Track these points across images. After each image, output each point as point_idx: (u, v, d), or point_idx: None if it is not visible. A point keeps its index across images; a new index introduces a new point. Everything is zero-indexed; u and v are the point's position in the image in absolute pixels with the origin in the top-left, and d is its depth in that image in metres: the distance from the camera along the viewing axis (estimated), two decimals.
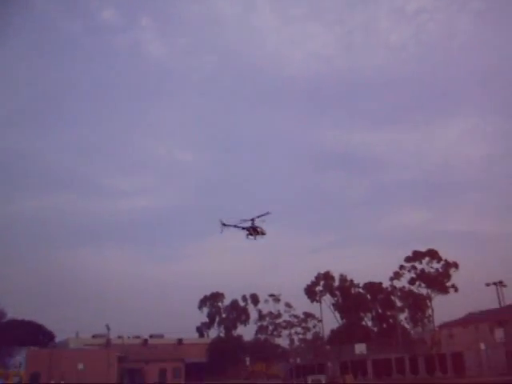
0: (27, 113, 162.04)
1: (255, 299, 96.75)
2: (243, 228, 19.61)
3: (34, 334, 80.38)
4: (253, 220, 19.53)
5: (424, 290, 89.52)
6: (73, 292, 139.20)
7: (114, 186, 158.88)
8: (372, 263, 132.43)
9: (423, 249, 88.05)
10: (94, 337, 77.49)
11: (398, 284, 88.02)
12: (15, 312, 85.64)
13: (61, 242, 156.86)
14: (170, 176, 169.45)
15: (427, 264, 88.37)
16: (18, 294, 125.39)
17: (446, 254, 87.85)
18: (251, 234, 18.83)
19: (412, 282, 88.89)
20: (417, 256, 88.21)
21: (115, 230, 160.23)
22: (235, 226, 20.47)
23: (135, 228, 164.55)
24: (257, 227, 19.05)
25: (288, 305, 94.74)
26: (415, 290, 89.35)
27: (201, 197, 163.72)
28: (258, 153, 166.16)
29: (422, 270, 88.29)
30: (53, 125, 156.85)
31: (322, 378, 52.45)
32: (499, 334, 45.53)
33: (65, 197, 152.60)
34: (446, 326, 76.62)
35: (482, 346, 46.81)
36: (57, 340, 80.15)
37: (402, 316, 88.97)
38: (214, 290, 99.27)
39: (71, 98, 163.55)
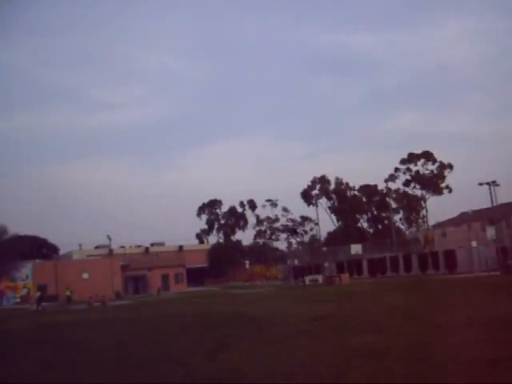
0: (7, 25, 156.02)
1: (252, 205, 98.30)
2: None
3: (39, 248, 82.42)
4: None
5: (418, 192, 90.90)
6: (73, 206, 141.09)
7: (106, 97, 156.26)
8: (367, 166, 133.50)
9: (419, 151, 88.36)
10: (96, 248, 79.42)
11: (393, 186, 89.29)
12: (17, 228, 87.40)
13: (57, 157, 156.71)
14: (163, 85, 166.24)
15: (422, 166, 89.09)
16: (18, 210, 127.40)
17: (441, 155, 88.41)
18: None
19: (407, 183, 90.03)
20: (412, 158, 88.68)
21: (111, 142, 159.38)
22: None
23: (131, 140, 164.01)
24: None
25: (285, 209, 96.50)
26: (410, 192, 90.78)
27: (195, 106, 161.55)
28: (252, 59, 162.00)
29: (417, 172, 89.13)
30: (37, 34, 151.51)
31: (319, 278, 54.36)
32: (490, 232, 46.68)
33: (57, 111, 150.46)
34: (439, 225, 78.44)
35: (474, 244, 48.15)
36: (60, 253, 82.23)
37: (397, 217, 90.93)
38: (212, 198, 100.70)
39: (55, 7, 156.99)
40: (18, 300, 59.99)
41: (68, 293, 58.42)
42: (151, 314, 28.22)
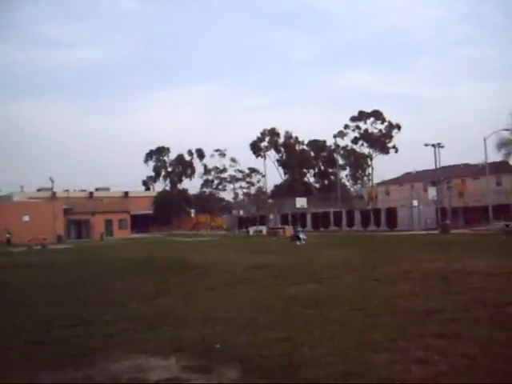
0: None
1: (201, 154, 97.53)
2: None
3: None
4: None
5: (366, 150, 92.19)
6: (15, 147, 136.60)
7: (53, 35, 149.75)
8: (317, 122, 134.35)
9: (369, 110, 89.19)
10: (38, 190, 77.42)
11: (341, 143, 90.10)
12: None
13: None
14: (114, 26, 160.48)
15: (371, 124, 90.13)
16: None
17: (390, 115, 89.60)
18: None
19: (355, 141, 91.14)
20: (362, 116, 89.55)
21: (57, 83, 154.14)
22: None
23: (78, 81, 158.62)
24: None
25: (233, 160, 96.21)
26: (357, 149, 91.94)
27: (146, 50, 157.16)
28: (208, 6, 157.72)
29: (366, 130, 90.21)
30: None
31: (263, 229, 54.94)
32: (432, 192, 47.99)
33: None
34: (383, 184, 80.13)
35: (415, 203, 49.53)
36: (0, 194, 79.74)
37: (343, 173, 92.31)
38: (160, 145, 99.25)
39: None
40: None
41: (7, 235, 57.02)
42: (92, 258, 27.87)
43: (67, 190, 77.93)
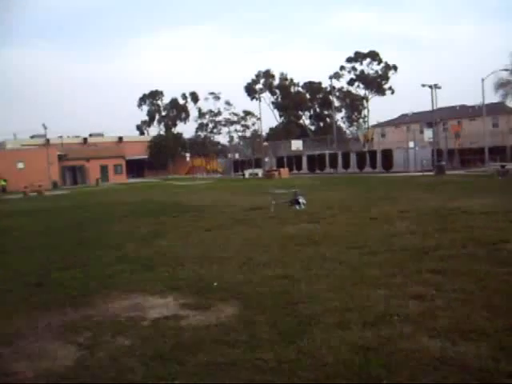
0: None
1: (195, 97, 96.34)
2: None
3: None
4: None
5: (362, 91, 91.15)
6: (7, 94, 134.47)
7: None
8: (313, 64, 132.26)
9: (365, 51, 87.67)
10: (32, 137, 76.69)
11: (337, 84, 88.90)
12: None
13: None
14: None
15: (367, 65, 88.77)
16: None
17: (387, 56, 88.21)
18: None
19: (351, 82, 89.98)
20: (358, 57, 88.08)
21: (48, 28, 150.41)
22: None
23: (70, 23, 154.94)
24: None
25: (228, 103, 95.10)
26: (353, 91, 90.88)
27: None
28: None
29: (362, 72, 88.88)
30: None
31: (259, 172, 54.89)
32: (428, 134, 47.71)
33: None
34: (379, 125, 79.64)
35: (411, 144, 49.29)
36: None
37: (339, 115, 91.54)
38: (153, 89, 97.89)
39: None
40: None
41: (3, 182, 56.88)
42: (88, 203, 27.86)
43: (61, 137, 77.24)
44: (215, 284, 7.38)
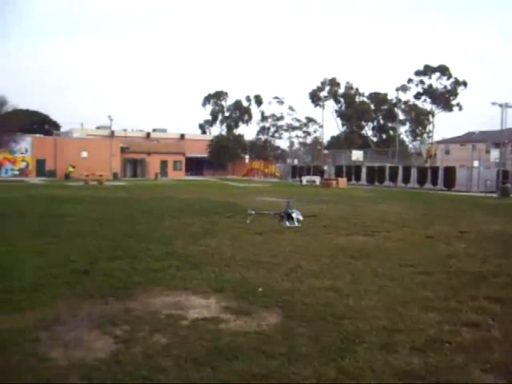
0: None
1: (259, 100, 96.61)
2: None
3: (40, 124, 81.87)
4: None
5: (428, 106, 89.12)
6: (76, 84, 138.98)
7: None
8: (380, 74, 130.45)
9: (435, 65, 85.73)
10: (98, 128, 78.80)
11: (403, 97, 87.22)
12: (19, 102, 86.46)
13: (64, 32, 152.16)
14: None
15: (436, 80, 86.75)
16: (21, 84, 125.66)
17: (458, 71, 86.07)
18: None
19: (418, 96, 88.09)
20: (427, 70, 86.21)
21: (116, 20, 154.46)
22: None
23: (138, 20, 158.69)
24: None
25: (291, 108, 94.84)
26: (419, 105, 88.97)
27: None
28: None
29: (430, 86, 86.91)
30: None
31: (317, 180, 54.40)
32: (495, 154, 46.05)
33: None
34: (444, 142, 77.63)
35: (476, 164, 47.70)
36: (62, 130, 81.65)
37: (403, 129, 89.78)
38: (218, 89, 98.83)
39: None
40: (17, 172, 60.24)
41: (71, 169, 58.66)
42: (145, 196, 28.23)
43: (125, 130, 79.05)
44: (260, 289, 7.19)
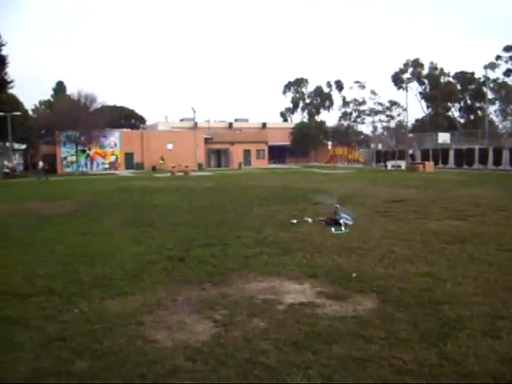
0: None
1: (340, 85, 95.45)
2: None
3: (126, 118, 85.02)
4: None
5: None
6: (160, 77, 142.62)
7: None
8: (466, 53, 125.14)
9: None
10: (181, 120, 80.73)
11: (491, 75, 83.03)
12: (107, 99, 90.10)
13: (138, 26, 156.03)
14: None
15: None
16: (108, 79, 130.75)
17: None
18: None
19: (508, 73, 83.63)
20: None
21: (193, 8, 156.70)
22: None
23: (220, 9, 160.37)
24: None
25: (373, 92, 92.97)
26: (510, 82, 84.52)
27: None
28: None
29: None
30: None
31: (402, 164, 53.12)
32: None
33: None
34: None
35: None
36: (147, 124, 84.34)
37: (492, 108, 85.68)
38: (298, 76, 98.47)
39: None
40: (107, 166, 62.91)
41: (161, 161, 60.52)
42: (231, 185, 28.66)
43: (208, 121, 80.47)
44: (354, 275, 7.16)
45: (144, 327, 5.41)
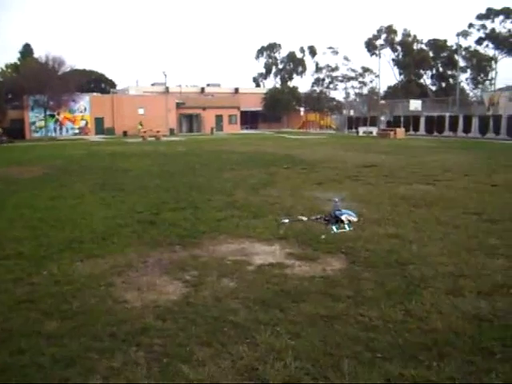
0: None
1: (313, 51, 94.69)
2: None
3: (96, 83, 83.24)
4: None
5: (491, 52, 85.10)
6: (130, 42, 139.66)
7: None
8: (439, 20, 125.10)
9: (498, 6, 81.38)
10: (152, 85, 79.44)
11: (463, 43, 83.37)
12: (76, 62, 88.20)
13: None
14: None
15: (499, 23, 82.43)
16: (76, 43, 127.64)
17: None
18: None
19: (479, 41, 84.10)
20: (489, 14, 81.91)
21: None
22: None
23: None
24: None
25: (346, 58, 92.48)
26: (481, 51, 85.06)
27: None
28: None
29: (493, 30, 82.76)
30: None
31: (373, 130, 53.43)
32: None
33: None
34: (507, 89, 74.31)
35: None
36: (117, 88, 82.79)
37: (463, 76, 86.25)
38: (271, 41, 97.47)
39: None
40: (77, 131, 61.79)
41: (139, 126, 59.43)
42: (202, 150, 28.51)
43: (180, 85, 79.37)
44: (323, 237, 7.26)
45: (114, 288, 5.43)
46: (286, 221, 8.15)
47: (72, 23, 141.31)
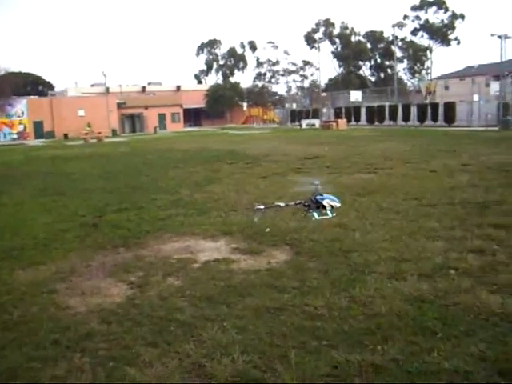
0: None
1: (253, 46, 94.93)
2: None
3: (33, 85, 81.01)
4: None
5: (426, 42, 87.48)
6: (67, 43, 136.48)
7: None
8: (375, 12, 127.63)
9: None
10: (92, 86, 77.92)
11: (399, 34, 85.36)
12: (10, 64, 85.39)
13: None
14: None
15: (433, 14, 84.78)
16: (10, 46, 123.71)
17: (455, 4, 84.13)
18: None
19: (414, 32, 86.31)
20: (423, 5, 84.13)
21: None
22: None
23: None
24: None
25: (286, 52, 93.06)
26: (417, 41, 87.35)
27: None
28: None
29: (427, 21, 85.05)
30: None
31: (316, 123, 54.11)
32: (494, 87, 45.44)
33: None
34: (443, 77, 76.56)
35: (476, 98, 47.13)
36: (56, 90, 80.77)
37: (401, 67, 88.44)
38: (211, 37, 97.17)
39: None
40: (15, 136, 59.91)
41: (87, 128, 57.70)
42: (146, 149, 28.19)
43: (120, 85, 78.10)
44: (267, 230, 7.30)
45: (57, 295, 5.30)
46: (262, 207, 8.00)
47: (4, 24, 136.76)
